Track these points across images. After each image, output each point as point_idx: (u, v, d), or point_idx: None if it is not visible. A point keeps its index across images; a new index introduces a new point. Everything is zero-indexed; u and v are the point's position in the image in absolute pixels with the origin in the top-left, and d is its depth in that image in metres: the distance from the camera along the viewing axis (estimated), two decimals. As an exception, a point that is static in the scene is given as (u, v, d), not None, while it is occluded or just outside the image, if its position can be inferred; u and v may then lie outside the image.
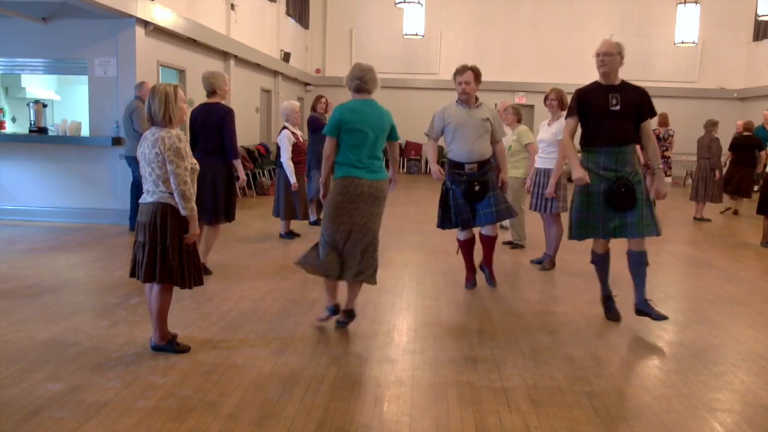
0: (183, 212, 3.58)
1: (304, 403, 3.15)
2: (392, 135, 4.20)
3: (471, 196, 4.99)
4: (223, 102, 5.61)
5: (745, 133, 10.63)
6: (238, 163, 5.56)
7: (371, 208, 4.05)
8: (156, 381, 3.35)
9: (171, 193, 3.56)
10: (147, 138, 3.58)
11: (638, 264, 4.38)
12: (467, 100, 5.04)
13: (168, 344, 3.75)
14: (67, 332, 4.04)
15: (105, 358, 3.63)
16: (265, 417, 3.00)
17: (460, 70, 5.04)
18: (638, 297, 4.42)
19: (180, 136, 3.57)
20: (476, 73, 5.03)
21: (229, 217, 5.67)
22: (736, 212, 11.02)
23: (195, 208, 3.63)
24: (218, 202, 5.50)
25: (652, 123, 4.41)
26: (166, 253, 3.58)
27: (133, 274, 3.72)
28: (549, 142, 6.10)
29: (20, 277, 5.38)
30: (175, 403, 3.10)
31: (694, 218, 10.13)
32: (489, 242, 5.33)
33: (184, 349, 3.76)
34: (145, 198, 3.64)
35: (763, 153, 10.44)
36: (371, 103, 4.11)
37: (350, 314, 4.31)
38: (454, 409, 3.14)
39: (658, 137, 11.95)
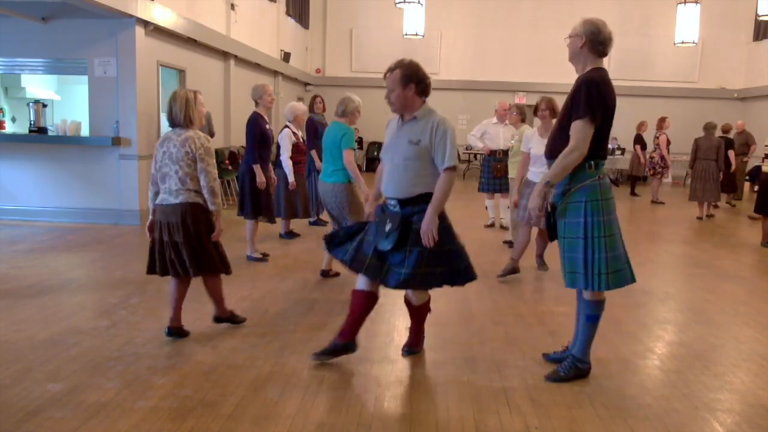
0: (211, 207, 3.82)
1: (304, 403, 3.15)
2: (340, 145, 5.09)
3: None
4: (263, 110, 6.31)
5: (720, 135, 11.09)
6: (256, 168, 6.16)
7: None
8: (156, 381, 3.35)
9: (196, 191, 3.79)
10: (171, 138, 3.80)
11: (582, 314, 3.51)
12: (397, 111, 3.59)
13: (230, 317, 4.24)
14: (67, 332, 4.04)
15: (105, 358, 3.63)
16: (265, 417, 3.00)
17: (386, 71, 3.52)
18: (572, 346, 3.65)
19: (207, 137, 3.87)
20: (407, 73, 3.45)
21: (246, 213, 6.32)
22: (717, 206, 11.39)
23: (221, 203, 3.91)
24: (243, 199, 6.33)
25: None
26: (204, 248, 3.86)
27: (152, 271, 3.91)
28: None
29: (20, 277, 5.38)
30: (175, 403, 3.10)
31: (698, 218, 10.22)
32: (413, 312, 3.89)
33: (242, 320, 4.29)
34: (168, 199, 3.80)
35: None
36: (335, 124, 5.33)
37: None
38: (454, 409, 3.14)
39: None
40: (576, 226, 3.30)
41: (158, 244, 3.85)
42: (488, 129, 8.29)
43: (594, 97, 3.17)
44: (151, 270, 3.92)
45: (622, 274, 3.35)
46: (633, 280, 3.43)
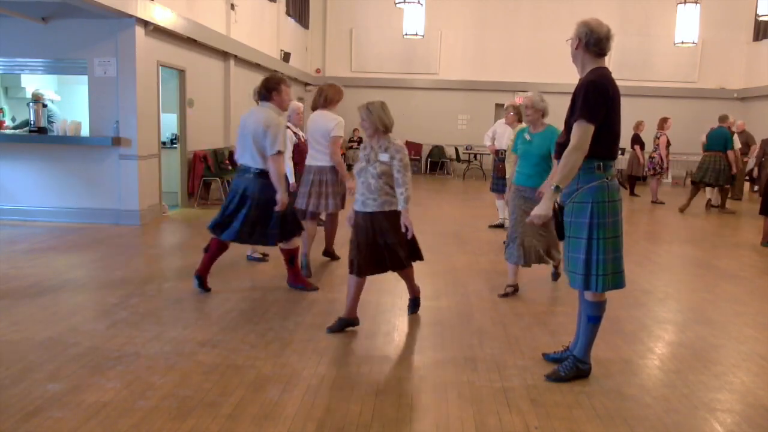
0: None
1: (304, 403, 3.15)
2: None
3: None
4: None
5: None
6: None
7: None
8: (156, 381, 3.35)
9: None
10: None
11: (583, 314, 3.52)
12: None
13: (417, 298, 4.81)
14: (67, 332, 4.04)
15: (105, 358, 3.63)
16: (265, 417, 3.00)
17: None
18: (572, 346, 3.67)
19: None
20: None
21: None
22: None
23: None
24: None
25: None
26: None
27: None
28: None
29: (20, 277, 5.38)
30: (175, 403, 3.10)
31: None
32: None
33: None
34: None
35: (731, 152, 10.79)
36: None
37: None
38: (454, 409, 3.14)
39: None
40: (581, 226, 3.31)
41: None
42: (497, 129, 8.40)
43: (591, 99, 3.16)
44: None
45: (620, 277, 3.37)
46: (624, 284, 3.45)
